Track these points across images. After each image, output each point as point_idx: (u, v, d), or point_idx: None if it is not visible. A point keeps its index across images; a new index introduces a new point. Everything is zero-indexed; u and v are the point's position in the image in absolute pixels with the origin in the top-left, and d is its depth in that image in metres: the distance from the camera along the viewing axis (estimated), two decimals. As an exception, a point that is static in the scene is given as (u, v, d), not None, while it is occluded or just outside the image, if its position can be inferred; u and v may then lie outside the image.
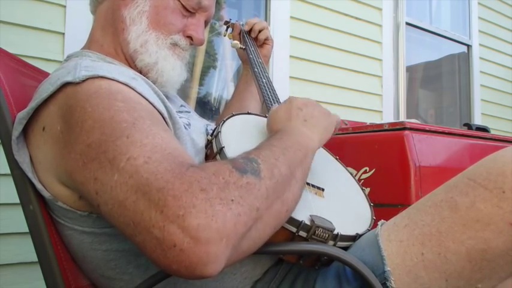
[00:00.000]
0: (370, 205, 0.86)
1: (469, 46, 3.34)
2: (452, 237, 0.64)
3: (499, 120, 3.42)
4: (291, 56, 2.27)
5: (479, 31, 3.36)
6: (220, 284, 0.72)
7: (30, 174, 0.69)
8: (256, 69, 1.10)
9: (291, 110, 0.77)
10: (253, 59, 1.13)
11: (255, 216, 0.53)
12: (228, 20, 1.30)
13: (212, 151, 0.76)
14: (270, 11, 2.25)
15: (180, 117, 0.78)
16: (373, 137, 1.43)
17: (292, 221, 0.65)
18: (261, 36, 1.22)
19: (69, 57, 0.85)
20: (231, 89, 2.34)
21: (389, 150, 1.37)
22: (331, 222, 0.70)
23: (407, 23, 2.88)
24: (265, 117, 0.94)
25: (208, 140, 0.82)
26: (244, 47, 1.19)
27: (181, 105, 0.97)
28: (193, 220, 0.47)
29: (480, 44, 3.35)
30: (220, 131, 0.76)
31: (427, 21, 3.21)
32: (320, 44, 2.39)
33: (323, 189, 0.80)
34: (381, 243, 0.69)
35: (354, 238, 0.74)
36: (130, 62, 0.87)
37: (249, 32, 1.23)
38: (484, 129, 1.93)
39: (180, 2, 0.87)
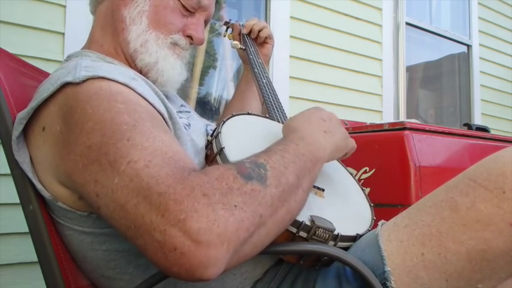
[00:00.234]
0: (370, 205, 0.86)
1: (469, 46, 3.34)
2: (452, 237, 0.64)
3: (499, 120, 3.42)
4: (291, 56, 2.27)
5: (479, 31, 3.36)
6: (220, 284, 0.72)
7: (30, 174, 0.69)
8: (256, 70, 1.10)
9: (313, 116, 0.76)
10: (253, 60, 1.13)
11: (258, 222, 0.52)
12: (227, 20, 1.29)
13: (212, 151, 0.76)
14: (270, 11, 2.25)
15: (180, 118, 0.78)
16: (373, 137, 1.43)
17: (292, 221, 0.65)
18: (262, 35, 1.21)
19: (69, 57, 0.85)
20: (231, 89, 2.34)
21: (389, 150, 1.37)
22: (331, 223, 0.70)
23: (407, 23, 2.88)
24: (266, 117, 0.94)
25: (208, 140, 0.82)
26: (244, 48, 1.19)
27: (182, 105, 0.97)
28: (194, 224, 0.47)
29: (480, 44, 3.36)
30: (220, 132, 0.76)
31: (427, 21, 3.21)
32: (320, 44, 2.39)
33: (323, 190, 0.80)
34: (381, 244, 0.69)
35: (354, 238, 0.74)
36: (130, 61, 0.87)
37: (249, 33, 1.22)
38: (484, 129, 1.93)
39: (179, 1, 0.87)
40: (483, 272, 0.64)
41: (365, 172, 1.41)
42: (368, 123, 1.70)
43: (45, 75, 0.91)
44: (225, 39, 1.33)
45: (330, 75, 2.42)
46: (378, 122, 2.03)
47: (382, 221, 0.75)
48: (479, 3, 3.37)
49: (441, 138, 1.43)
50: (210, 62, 2.37)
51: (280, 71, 2.22)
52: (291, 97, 2.25)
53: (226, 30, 1.30)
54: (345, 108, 2.46)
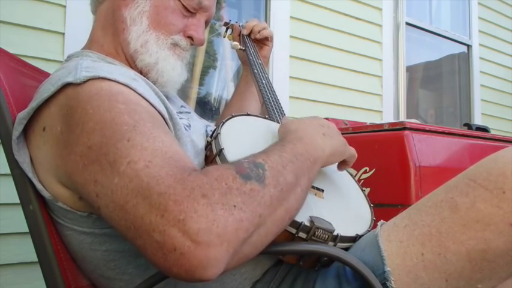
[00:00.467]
0: (370, 206, 0.86)
1: (469, 46, 3.34)
2: (452, 237, 0.64)
3: (499, 120, 3.42)
4: (291, 56, 2.27)
5: (479, 31, 3.36)
6: (220, 285, 0.72)
7: (30, 174, 0.69)
8: (256, 71, 1.10)
9: (313, 121, 0.76)
10: (253, 60, 1.13)
11: (257, 222, 0.52)
12: (227, 21, 1.30)
13: (212, 152, 0.76)
14: (270, 11, 2.25)
15: (180, 118, 0.78)
16: (373, 137, 1.43)
17: (292, 222, 0.65)
18: (263, 35, 1.21)
19: (69, 57, 0.85)
20: (231, 89, 2.34)
21: (389, 150, 1.37)
22: (330, 223, 0.70)
23: (407, 23, 2.88)
24: (265, 118, 0.94)
25: (207, 141, 0.82)
26: (244, 48, 1.19)
27: (182, 106, 0.97)
28: (194, 224, 0.47)
29: (480, 44, 3.36)
30: (219, 133, 0.76)
31: (427, 21, 3.21)
32: (320, 44, 2.39)
33: (323, 190, 0.80)
34: (381, 244, 0.69)
35: (354, 239, 0.74)
36: (130, 62, 0.87)
37: (249, 34, 1.22)
38: (484, 129, 1.94)
39: (180, 2, 0.87)
40: (483, 272, 0.64)
41: (365, 172, 1.41)
42: (368, 123, 1.70)
43: (45, 75, 0.91)
44: (225, 39, 1.33)
45: (330, 75, 2.42)
46: (378, 122, 2.03)
47: (382, 221, 0.75)
48: (479, 3, 3.37)
49: (441, 138, 1.44)
50: (210, 62, 2.37)
51: (280, 71, 2.22)
52: (291, 97, 2.25)
53: (226, 31, 1.30)
54: (345, 108, 2.46)
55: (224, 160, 0.71)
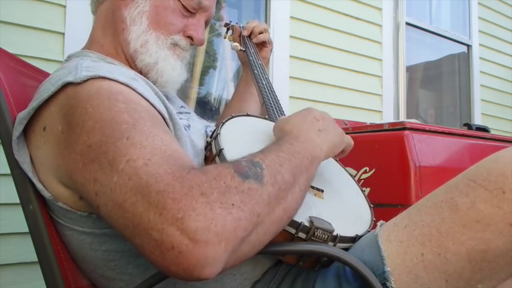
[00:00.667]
0: (369, 206, 0.86)
1: (469, 46, 3.34)
2: (452, 237, 0.64)
3: (499, 120, 3.42)
4: (291, 56, 2.27)
5: (479, 31, 3.36)
6: (220, 285, 0.72)
7: (30, 174, 0.69)
8: (256, 71, 1.10)
9: (306, 117, 0.75)
10: (253, 61, 1.13)
11: (256, 221, 0.52)
12: (227, 22, 1.30)
13: (211, 153, 0.76)
14: (270, 11, 2.25)
15: (180, 119, 0.78)
16: (373, 137, 1.43)
17: (291, 222, 0.65)
18: (259, 40, 1.21)
19: (69, 57, 0.85)
20: (231, 89, 2.34)
21: (389, 150, 1.37)
22: (330, 224, 0.70)
23: (407, 23, 2.88)
24: (265, 118, 0.94)
25: (207, 141, 0.82)
26: (244, 49, 1.19)
27: (182, 106, 0.98)
28: (192, 223, 0.47)
29: (480, 44, 3.36)
30: (219, 133, 0.76)
31: (427, 21, 3.21)
32: (320, 44, 2.39)
33: (322, 191, 0.80)
34: (381, 244, 0.69)
35: (354, 239, 0.74)
36: (130, 62, 0.87)
37: (249, 35, 1.22)
38: (484, 129, 1.93)
39: (180, 2, 0.87)
40: (483, 272, 0.64)
41: (365, 172, 1.41)
42: (368, 123, 1.70)
43: (45, 75, 0.91)
44: (225, 40, 1.33)
45: (330, 75, 2.42)
46: (378, 122, 2.03)
47: (382, 221, 0.75)
48: (479, 3, 3.37)
49: (441, 138, 1.44)
50: (210, 62, 2.37)
51: (280, 71, 2.22)
52: (291, 97, 2.25)
53: (227, 32, 1.30)
54: (345, 108, 2.46)
55: (224, 160, 0.71)
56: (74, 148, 0.61)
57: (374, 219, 0.82)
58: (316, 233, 0.67)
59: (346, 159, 0.87)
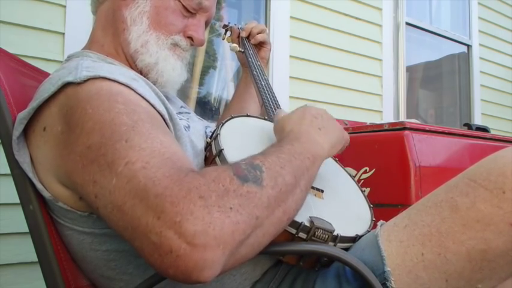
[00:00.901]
0: (369, 206, 0.86)
1: (469, 46, 3.34)
2: (452, 237, 0.64)
3: (499, 120, 3.42)
4: (291, 56, 2.27)
5: (479, 31, 3.36)
6: (220, 285, 0.72)
7: (30, 174, 0.69)
8: (255, 72, 1.10)
9: (305, 115, 0.75)
10: (252, 62, 1.13)
11: (255, 224, 0.52)
12: (226, 23, 1.30)
13: (211, 153, 0.76)
14: (270, 11, 2.25)
15: (180, 119, 0.78)
16: (373, 137, 1.43)
17: (291, 222, 0.65)
18: (257, 40, 1.21)
19: (69, 58, 0.85)
20: (231, 89, 2.34)
21: (389, 150, 1.37)
22: (330, 224, 0.70)
23: (407, 23, 2.88)
24: (265, 119, 0.94)
25: (207, 142, 0.82)
26: (243, 50, 1.19)
27: (182, 107, 0.98)
28: (190, 226, 0.47)
29: (480, 44, 3.36)
30: (219, 133, 0.76)
31: (427, 21, 3.21)
32: (320, 44, 2.39)
33: (322, 191, 0.80)
34: (381, 244, 0.69)
35: (354, 239, 0.74)
36: (130, 62, 0.87)
37: (247, 36, 1.22)
38: (484, 129, 1.93)
39: (180, 2, 0.87)
40: (483, 272, 0.64)
41: (365, 172, 1.41)
42: (368, 123, 1.70)
43: (45, 75, 0.91)
44: (224, 41, 1.33)
45: (330, 75, 2.42)
46: (378, 122, 2.03)
47: (382, 221, 0.75)
48: (479, 3, 3.37)
49: (441, 138, 1.44)
50: (210, 62, 2.37)
51: (280, 71, 2.22)
52: (291, 97, 2.25)
53: (225, 33, 1.30)
54: (345, 108, 2.46)
55: (224, 161, 0.71)
56: (73, 149, 0.61)
57: (374, 219, 0.82)
58: (316, 233, 0.67)
59: (346, 159, 0.87)
